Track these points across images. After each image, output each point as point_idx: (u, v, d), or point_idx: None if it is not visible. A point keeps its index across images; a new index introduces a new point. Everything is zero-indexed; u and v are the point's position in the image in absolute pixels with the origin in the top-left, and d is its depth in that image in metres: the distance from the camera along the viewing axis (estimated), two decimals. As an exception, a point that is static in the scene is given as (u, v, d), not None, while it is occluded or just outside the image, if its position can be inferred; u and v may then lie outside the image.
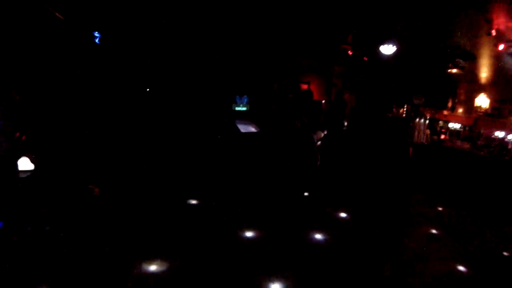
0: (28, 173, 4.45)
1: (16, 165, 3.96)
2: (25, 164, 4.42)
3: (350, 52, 8.60)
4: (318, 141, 6.87)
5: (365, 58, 8.78)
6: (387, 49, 7.21)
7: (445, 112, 9.43)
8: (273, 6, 5.44)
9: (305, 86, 10.01)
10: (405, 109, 9.42)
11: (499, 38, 6.04)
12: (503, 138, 9.38)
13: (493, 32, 5.71)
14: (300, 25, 6.66)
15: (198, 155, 6.85)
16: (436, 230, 5.32)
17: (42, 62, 5.68)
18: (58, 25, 5.57)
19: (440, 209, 6.50)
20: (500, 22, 5.67)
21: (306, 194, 6.06)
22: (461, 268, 4.21)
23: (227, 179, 6.32)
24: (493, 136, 9.56)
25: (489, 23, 5.73)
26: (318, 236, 4.57)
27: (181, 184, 5.78)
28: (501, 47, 6.15)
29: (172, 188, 5.62)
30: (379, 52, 7.32)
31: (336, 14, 6.03)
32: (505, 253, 4.81)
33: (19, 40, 5.21)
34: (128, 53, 6.71)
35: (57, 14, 5.63)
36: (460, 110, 9.39)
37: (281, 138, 6.61)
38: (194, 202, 5.26)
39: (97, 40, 6.50)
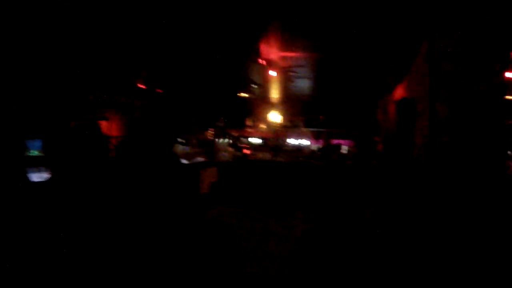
0: None
1: None
2: None
3: (144, 87, 8.05)
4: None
5: (159, 91, 8.38)
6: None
7: (248, 130, 10.07)
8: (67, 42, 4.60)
9: (104, 123, 8.82)
10: (211, 132, 9.57)
11: (272, 66, 6.36)
12: (298, 144, 10.68)
13: (261, 61, 5.96)
14: (94, 61, 5.82)
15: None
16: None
17: None
18: None
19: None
20: (270, 51, 5.90)
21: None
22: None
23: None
24: (289, 143, 10.78)
25: (257, 53, 5.92)
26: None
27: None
28: (271, 72, 6.55)
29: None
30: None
31: (129, 52, 5.47)
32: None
33: None
34: None
35: None
36: (262, 126, 10.20)
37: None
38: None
39: None
